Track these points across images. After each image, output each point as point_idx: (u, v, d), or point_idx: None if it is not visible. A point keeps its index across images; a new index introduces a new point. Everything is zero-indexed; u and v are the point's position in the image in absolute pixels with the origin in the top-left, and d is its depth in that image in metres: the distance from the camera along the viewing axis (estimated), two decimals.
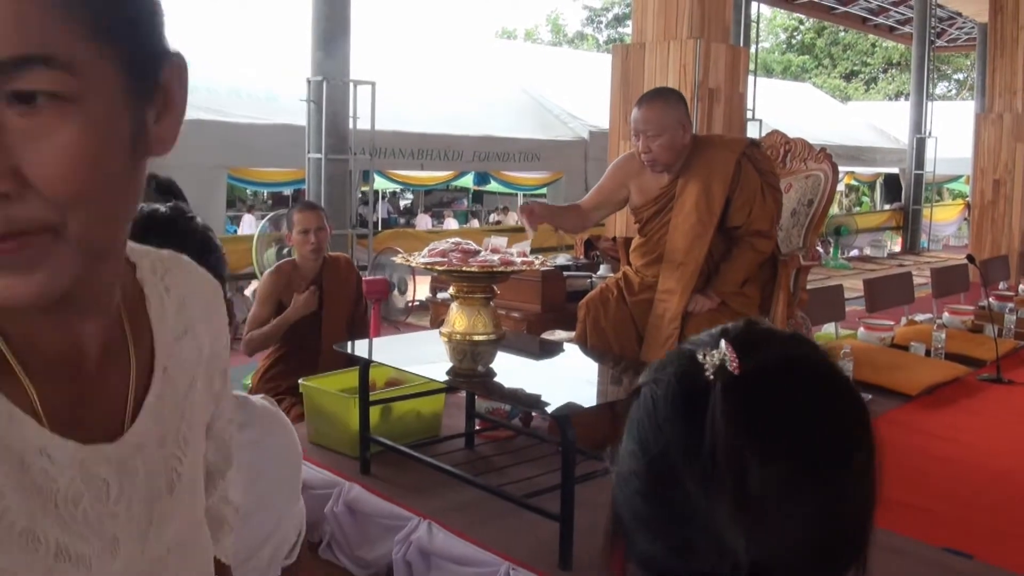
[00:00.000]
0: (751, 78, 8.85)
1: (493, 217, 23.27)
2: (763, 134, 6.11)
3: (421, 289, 11.19)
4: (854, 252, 18.25)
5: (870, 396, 6.29)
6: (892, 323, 8.11)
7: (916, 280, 9.60)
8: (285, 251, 8.40)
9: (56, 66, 0.75)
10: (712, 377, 0.92)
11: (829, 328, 8.15)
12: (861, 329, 7.88)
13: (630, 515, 0.97)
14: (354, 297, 5.56)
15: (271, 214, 10.85)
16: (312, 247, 5.24)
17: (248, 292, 9.87)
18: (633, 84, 7.42)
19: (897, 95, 36.45)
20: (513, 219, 21.33)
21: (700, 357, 0.94)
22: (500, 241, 4.23)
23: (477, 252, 4.09)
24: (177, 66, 0.92)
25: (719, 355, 0.93)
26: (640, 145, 4.81)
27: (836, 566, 0.97)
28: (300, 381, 4.84)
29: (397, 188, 21.79)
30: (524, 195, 20.08)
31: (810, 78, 36.39)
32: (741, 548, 0.87)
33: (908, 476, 4.98)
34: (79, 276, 0.82)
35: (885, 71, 40.04)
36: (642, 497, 0.95)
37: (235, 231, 17.32)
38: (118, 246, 0.91)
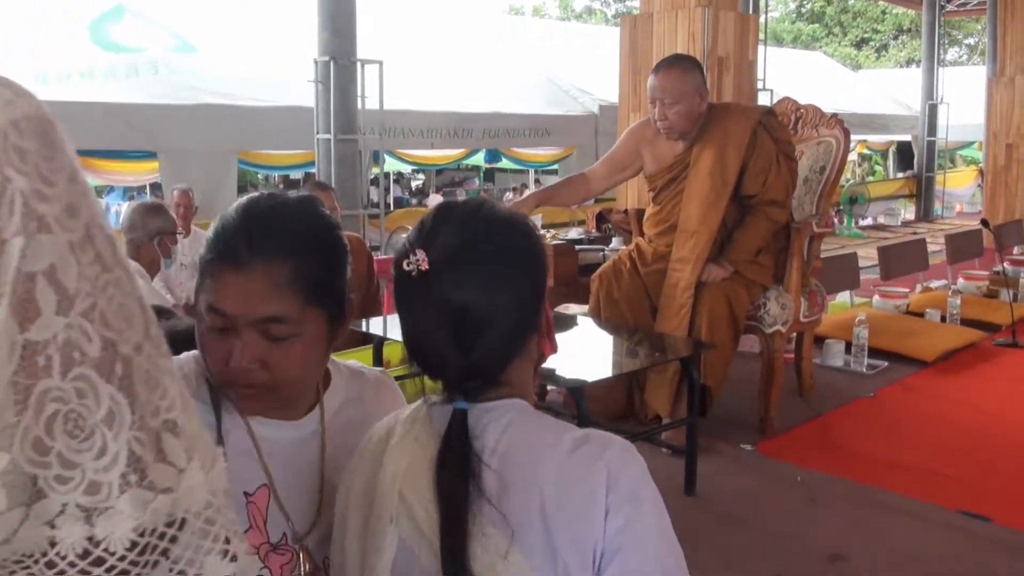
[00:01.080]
0: (761, 47, 8.79)
1: (508, 196, 23.24)
2: (773, 103, 6.07)
3: None
4: (868, 221, 18.17)
5: (886, 363, 6.29)
6: (907, 290, 8.10)
7: (930, 247, 9.57)
8: None
9: (287, 321, 1.52)
10: (414, 274, 1.46)
11: (844, 296, 8.13)
12: (876, 297, 7.88)
13: (406, 350, 1.59)
14: (366, 275, 5.55)
15: None
16: None
17: None
18: (642, 55, 7.39)
19: (908, 62, 36.21)
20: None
21: (405, 265, 1.47)
22: (534, 221, 4.22)
23: None
24: (351, 303, 1.69)
25: (414, 260, 1.45)
26: (656, 112, 4.78)
27: (522, 342, 1.53)
28: None
29: (408, 168, 21.74)
30: (536, 171, 20.06)
31: (820, 47, 36.14)
32: (456, 362, 1.47)
33: (925, 441, 4.99)
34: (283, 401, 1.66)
35: (896, 38, 39.78)
36: (405, 340, 1.61)
37: None
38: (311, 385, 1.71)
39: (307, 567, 1.67)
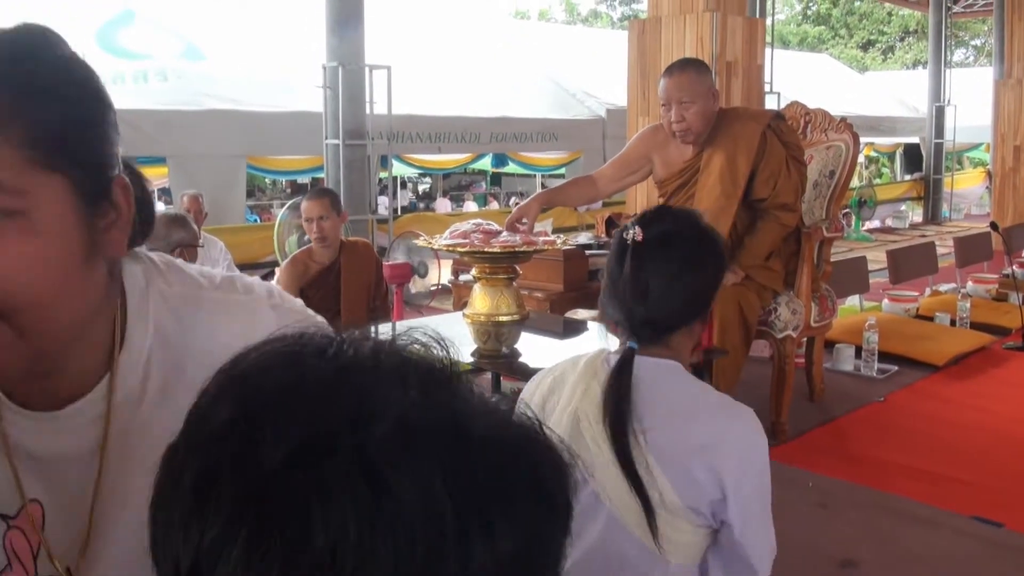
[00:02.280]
0: (768, 50, 8.79)
1: (513, 200, 23.23)
2: (782, 107, 6.07)
3: (442, 272, 11.21)
4: (875, 224, 18.14)
5: (896, 367, 6.29)
6: (916, 294, 8.10)
7: (939, 250, 9.57)
8: (306, 238, 8.41)
9: (4, 190, 0.92)
10: (629, 242, 1.97)
11: (854, 300, 8.13)
12: (886, 301, 7.88)
13: (605, 298, 2.04)
14: (373, 281, 5.55)
15: (290, 201, 10.85)
16: (317, 236, 5.24)
17: (273, 282, 9.88)
18: (650, 59, 7.38)
19: (915, 64, 36.16)
20: None
21: (624, 234, 1.99)
22: (542, 226, 4.22)
23: (499, 233, 4.08)
24: (124, 185, 1.07)
25: (632, 232, 1.97)
26: (673, 115, 4.76)
27: (691, 319, 2.00)
28: None
29: (415, 173, 21.75)
30: (543, 176, 20.05)
31: (827, 49, 36.12)
32: (640, 312, 1.94)
33: (936, 446, 4.98)
34: (35, 357, 1.01)
35: (902, 39, 39.73)
36: (605, 290, 2.04)
37: (256, 220, 17.35)
38: (75, 332, 1.05)
39: None
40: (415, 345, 0.66)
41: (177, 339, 1.14)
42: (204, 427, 0.61)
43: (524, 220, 4.50)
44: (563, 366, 2.07)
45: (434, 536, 0.55)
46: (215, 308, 1.17)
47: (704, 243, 2.04)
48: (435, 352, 0.66)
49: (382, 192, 12.69)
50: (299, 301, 1.28)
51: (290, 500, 0.55)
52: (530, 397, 2.09)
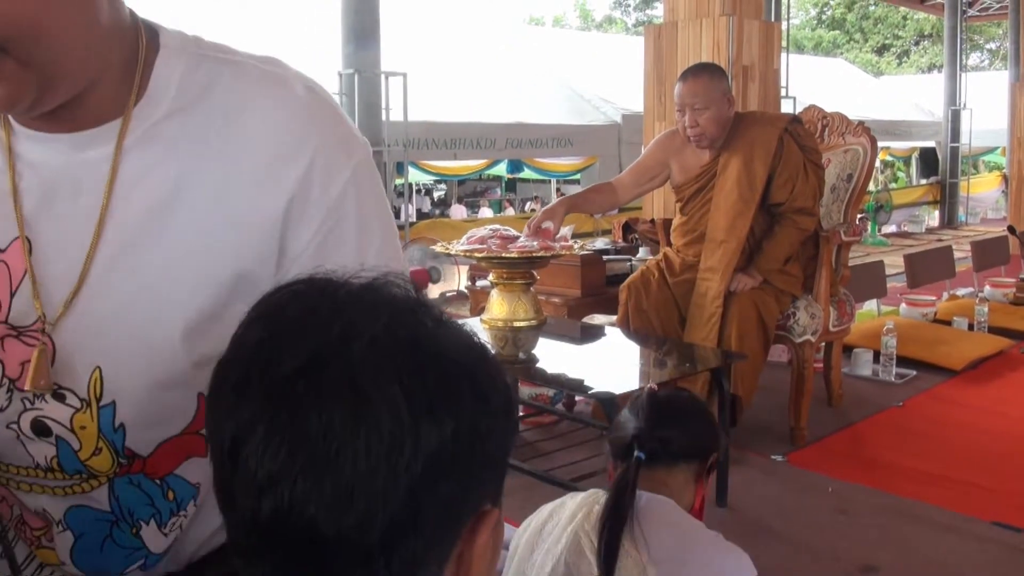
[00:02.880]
0: (783, 55, 8.78)
1: (529, 205, 23.24)
2: (798, 111, 6.06)
3: (456, 279, 11.21)
4: (891, 228, 18.10)
5: (914, 372, 6.27)
6: (934, 298, 8.07)
7: (956, 254, 9.52)
8: None
9: None
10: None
11: (871, 305, 8.11)
12: (903, 305, 7.85)
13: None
14: None
15: None
16: None
17: None
18: (667, 64, 7.38)
19: (930, 67, 36.09)
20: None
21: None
22: (566, 230, 4.22)
23: (516, 238, 4.08)
24: None
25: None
26: (687, 120, 4.77)
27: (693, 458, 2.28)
28: None
29: (431, 179, 21.78)
30: (558, 181, 20.04)
31: (842, 53, 36.09)
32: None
33: (956, 451, 4.96)
34: (44, 90, 1.01)
35: (917, 43, 39.68)
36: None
37: None
38: (84, 69, 1.06)
39: (44, 379, 1.13)
40: (395, 287, 0.85)
41: (201, 96, 1.17)
42: (243, 344, 0.82)
43: (548, 223, 4.50)
44: (562, 499, 2.23)
45: (394, 425, 0.74)
46: (249, 75, 1.21)
47: (701, 419, 2.38)
48: (407, 291, 0.85)
49: (407, 198, 12.70)
50: (332, 99, 1.32)
51: (297, 399, 0.75)
52: (527, 525, 2.24)
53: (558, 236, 4.20)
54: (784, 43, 9.20)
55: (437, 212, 23.37)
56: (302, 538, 0.75)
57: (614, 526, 1.98)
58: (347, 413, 0.74)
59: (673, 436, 2.22)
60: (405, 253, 9.47)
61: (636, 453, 2.13)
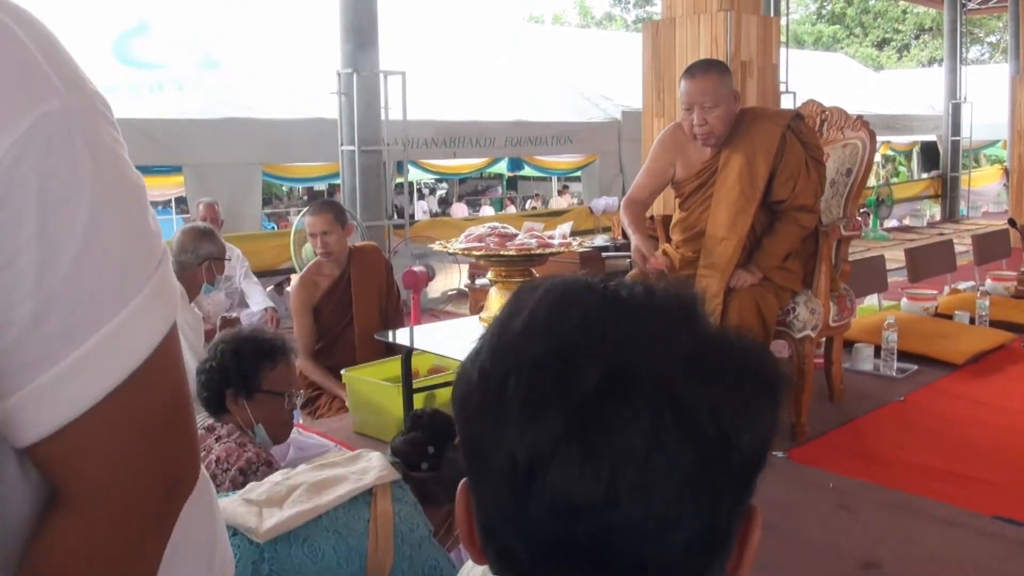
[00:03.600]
0: (783, 50, 8.76)
1: (530, 204, 23.24)
2: (797, 106, 6.05)
3: (456, 277, 11.21)
4: (893, 223, 18.09)
5: (916, 366, 6.26)
6: (935, 292, 8.06)
7: (957, 248, 9.51)
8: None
9: None
10: None
11: (872, 300, 8.09)
12: (904, 300, 7.83)
13: None
14: (384, 285, 5.54)
15: (305, 209, 10.88)
16: (322, 251, 5.23)
17: (289, 289, 9.91)
18: (664, 60, 7.37)
19: (930, 61, 36.06)
20: (550, 204, 21.21)
21: None
22: (565, 227, 4.22)
23: (515, 236, 4.08)
24: None
25: None
26: (695, 118, 4.73)
27: None
28: (343, 372, 4.87)
29: (431, 178, 21.77)
30: (559, 179, 20.03)
31: (842, 48, 36.08)
32: None
33: (957, 446, 4.94)
34: None
35: (917, 37, 39.64)
36: None
37: (273, 228, 17.40)
38: None
39: None
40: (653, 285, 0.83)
41: None
42: (521, 357, 0.78)
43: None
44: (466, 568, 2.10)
45: (719, 442, 0.75)
46: None
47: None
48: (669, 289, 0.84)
49: (419, 197, 12.69)
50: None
51: (610, 418, 0.72)
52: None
53: (558, 233, 4.19)
54: (784, 38, 9.18)
55: (438, 211, 23.36)
56: (621, 563, 0.74)
57: None
58: (671, 432, 0.73)
59: None
60: (399, 253, 9.48)
61: None
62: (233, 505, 2.24)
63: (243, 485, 2.51)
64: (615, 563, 0.74)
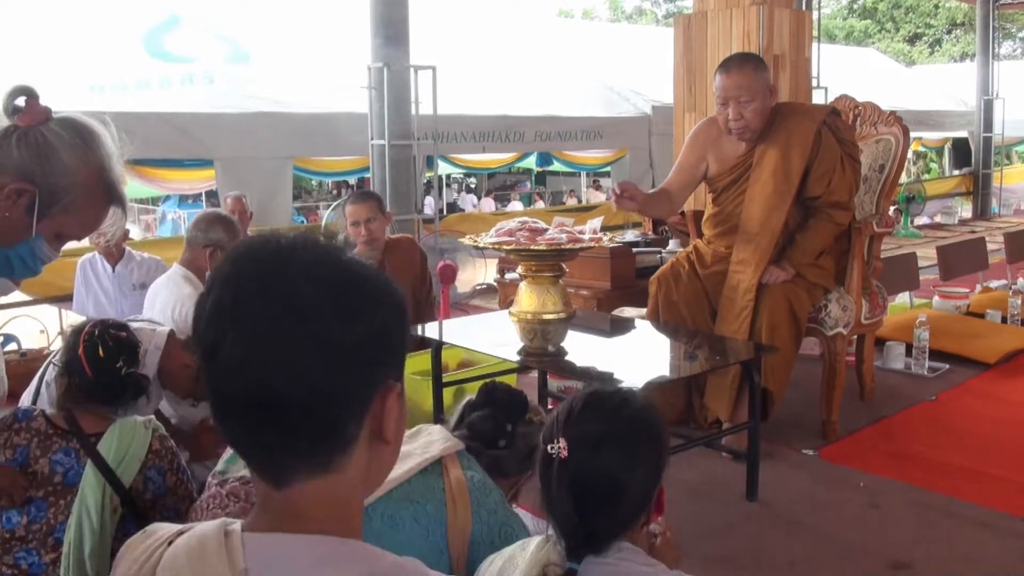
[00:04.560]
0: (815, 44, 8.70)
1: (565, 198, 23.24)
2: (829, 101, 6.01)
3: (486, 271, 11.20)
4: (924, 220, 17.97)
5: (947, 365, 6.22)
6: (967, 290, 7.99)
7: (989, 246, 9.43)
8: (352, 239, 8.42)
9: None
10: (555, 457, 1.90)
11: (904, 297, 8.05)
12: (936, 298, 7.78)
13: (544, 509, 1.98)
14: (419, 276, 5.54)
15: (335, 203, 10.90)
16: (364, 239, 5.23)
17: None
18: (696, 54, 7.33)
19: (962, 56, 35.78)
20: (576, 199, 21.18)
21: (549, 448, 1.91)
22: (595, 222, 4.20)
23: (545, 230, 4.07)
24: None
25: (557, 447, 1.89)
26: (731, 113, 4.71)
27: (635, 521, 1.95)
28: None
29: (460, 172, 21.77)
30: (588, 174, 19.98)
31: (873, 43, 35.83)
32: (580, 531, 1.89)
33: (989, 445, 4.91)
34: None
35: (949, 32, 39.34)
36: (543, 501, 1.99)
37: (303, 221, 17.45)
38: None
39: None
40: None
41: None
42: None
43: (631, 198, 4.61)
44: (511, 549, 2.04)
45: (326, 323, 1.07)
46: None
47: (637, 439, 1.96)
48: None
49: (450, 190, 12.69)
50: None
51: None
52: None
53: (588, 228, 4.17)
54: (815, 32, 9.12)
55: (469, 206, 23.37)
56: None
57: None
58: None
59: (608, 526, 1.93)
60: (440, 246, 9.48)
61: (568, 566, 1.91)
62: None
63: None
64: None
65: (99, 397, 3.04)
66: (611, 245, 4.61)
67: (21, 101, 2.06)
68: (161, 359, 3.59)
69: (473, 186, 27.32)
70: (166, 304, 4.26)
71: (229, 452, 2.89)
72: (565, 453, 1.88)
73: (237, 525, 1.12)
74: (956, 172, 21.62)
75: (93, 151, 2.11)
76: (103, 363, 3.04)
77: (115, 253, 6.66)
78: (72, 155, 2.07)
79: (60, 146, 2.05)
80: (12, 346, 7.05)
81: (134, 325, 3.41)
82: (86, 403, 3.01)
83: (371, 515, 2.17)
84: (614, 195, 4.70)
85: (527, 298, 4.08)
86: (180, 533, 1.15)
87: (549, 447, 1.91)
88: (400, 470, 2.26)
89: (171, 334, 3.69)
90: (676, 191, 5.14)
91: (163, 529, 1.19)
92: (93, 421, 2.94)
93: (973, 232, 14.47)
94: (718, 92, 4.78)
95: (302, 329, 1.05)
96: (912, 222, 16.44)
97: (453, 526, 2.23)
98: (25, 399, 3.68)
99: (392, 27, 8.81)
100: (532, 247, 3.94)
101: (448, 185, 24.95)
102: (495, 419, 2.57)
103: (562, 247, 3.93)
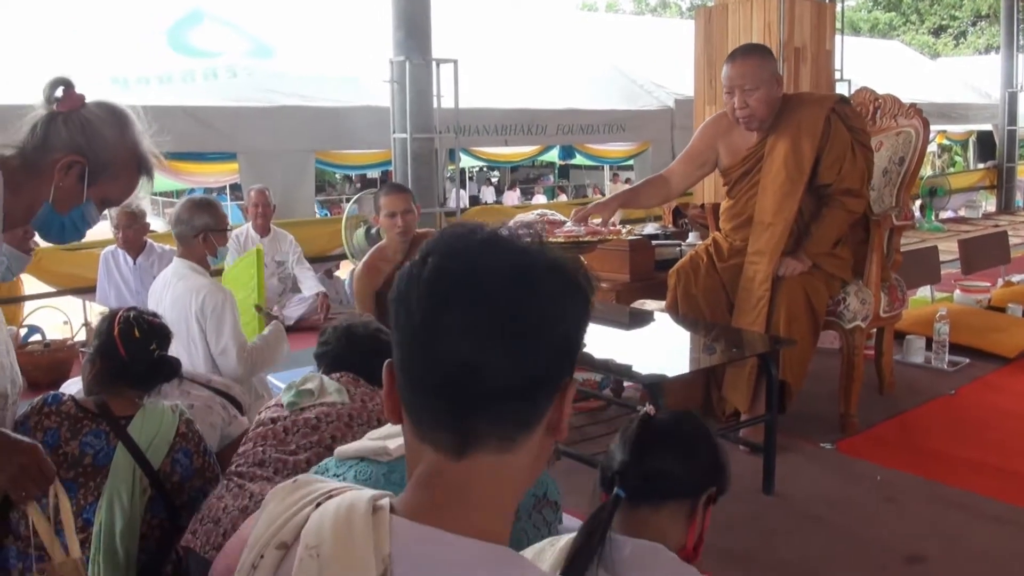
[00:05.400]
0: (838, 37, 8.68)
1: (590, 193, 23.22)
2: (851, 94, 6.00)
3: None
4: (948, 214, 17.88)
5: (967, 359, 6.21)
6: (988, 284, 7.96)
7: (1012, 240, 9.39)
8: (373, 231, 8.46)
9: None
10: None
11: (924, 291, 8.03)
12: (957, 291, 7.76)
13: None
14: None
15: (357, 195, 10.93)
16: (400, 230, 5.24)
17: (338, 274, 9.98)
18: (717, 47, 7.33)
19: (987, 49, 35.53)
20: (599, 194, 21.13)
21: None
22: (615, 215, 4.20)
23: (563, 223, 4.09)
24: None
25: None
26: (736, 101, 4.74)
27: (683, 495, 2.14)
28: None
29: (482, 165, 21.77)
30: (611, 167, 19.94)
31: (898, 35, 35.62)
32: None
33: (1008, 441, 4.91)
34: None
35: (974, 24, 39.05)
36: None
37: (326, 215, 17.49)
38: None
39: None
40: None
41: None
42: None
43: (598, 220, 4.52)
44: (542, 545, 2.03)
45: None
46: None
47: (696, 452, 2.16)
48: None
49: (460, 185, 12.70)
50: None
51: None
52: None
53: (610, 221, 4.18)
54: (839, 25, 9.09)
55: (492, 200, 23.39)
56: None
57: (582, 554, 1.87)
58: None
59: (663, 471, 2.07)
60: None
61: (616, 490, 2.00)
62: (360, 443, 2.50)
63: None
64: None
65: (131, 380, 3.12)
66: (630, 238, 4.63)
67: (60, 91, 2.33)
68: None
69: (495, 180, 27.33)
70: (181, 296, 4.28)
71: (294, 387, 3.05)
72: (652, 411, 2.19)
73: (386, 501, 1.11)
74: (980, 165, 21.50)
75: (128, 127, 2.42)
76: (138, 344, 3.13)
77: (136, 245, 6.72)
78: (112, 131, 2.37)
79: (101, 124, 2.35)
80: (36, 337, 7.13)
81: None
82: (116, 387, 3.08)
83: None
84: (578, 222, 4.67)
85: None
86: (329, 495, 1.16)
87: (638, 407, 2.14)
88: None
89: None
90: (677, 178, 5.19)
91: (313, 484, 1.20)
92: (122, 405, 3.01)
93: (996, 226, 14.39)
94: (725, 81, 4.82)
95: (525, 314, 1.08)
96: (936, 216, 16.36)
97: None
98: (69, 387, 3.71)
99: (413, 21, 8.82)
100: (550, 239, 3.95)
101: (471, 179, 24.97)
102: None
103: (580, 239, 3.95)
